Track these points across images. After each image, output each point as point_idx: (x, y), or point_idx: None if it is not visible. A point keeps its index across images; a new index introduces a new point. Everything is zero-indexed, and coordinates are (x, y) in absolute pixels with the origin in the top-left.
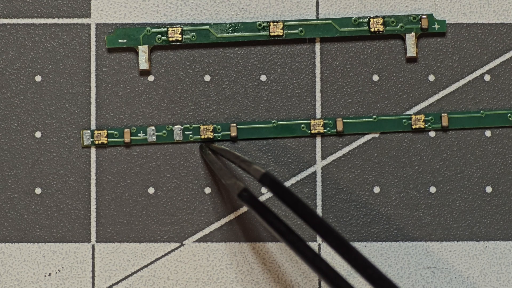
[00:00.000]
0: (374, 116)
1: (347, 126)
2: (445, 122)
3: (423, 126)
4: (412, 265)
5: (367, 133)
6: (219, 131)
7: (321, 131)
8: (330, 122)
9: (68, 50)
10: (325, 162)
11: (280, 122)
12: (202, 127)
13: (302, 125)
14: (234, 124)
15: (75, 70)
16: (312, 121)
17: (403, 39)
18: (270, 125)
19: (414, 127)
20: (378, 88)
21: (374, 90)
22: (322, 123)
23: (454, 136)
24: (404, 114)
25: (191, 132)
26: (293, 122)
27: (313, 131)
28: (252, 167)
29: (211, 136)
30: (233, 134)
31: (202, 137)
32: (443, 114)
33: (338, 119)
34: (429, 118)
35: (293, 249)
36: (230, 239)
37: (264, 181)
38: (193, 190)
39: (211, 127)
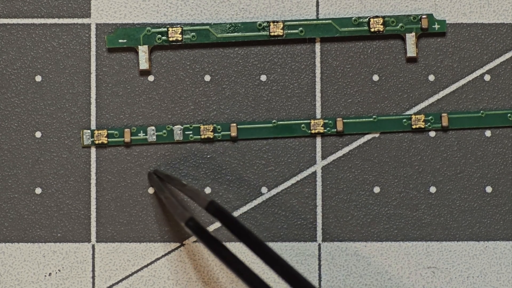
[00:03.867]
0: (374, 116)
1: (347, 126)
2: (445, 122)
3: (423, 126)
4: (412, 265)
5: (367, 133)
6: (219, 131)
7: (321, 131)
8: (330, 122)
9: (68, 50)
10: (325, 162)
11: (280, 122)
12: (202, 127)
13: (302, 125)
14: (234, 124)
15: (75, 70)
16: (312, 121)
17: (403, 39)
18: (270, 125)
19: (414, 127)
20: (378, 88)
21: (374, 90)
22: (322, 123)
23: (454, 136)
24: (404, 114)
25: (191, 132)
26: (293, 122)
27: (313, 131)
28: (199, 195)
29: (211, 136)
30: (233, 134)
31: (202, 137)
32: (443, 114)
33: (338, 119)
34: (429, 118)
35: (240, 277)
36: (230, 239)
37: (210, 209)
38: None
39: (211, 127)
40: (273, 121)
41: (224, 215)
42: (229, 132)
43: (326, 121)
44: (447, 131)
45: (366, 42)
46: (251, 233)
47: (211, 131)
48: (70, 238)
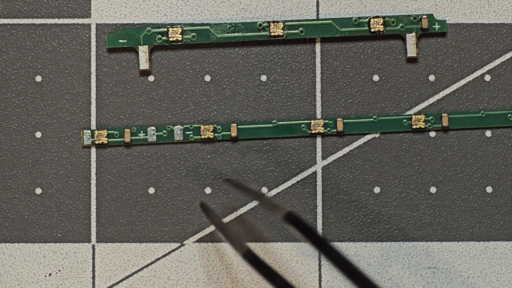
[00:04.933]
0: (374, 116)
1: (347, 126)
2: (445, 122)
3: (423, 126)
4: (412, 265)
5: (368, 133)
6: (219, 131)
7: (321, 131)
8: (330, 122)
9: (69, 50)
10: (326, 162)
11: (280, 122)
12: (202, 127)
13: (303, 125)
14: (235, 124)
15: (75, 70)
16: (313, 121)
17: (403, 39)
18: (270, 125)
19: (414, 127)
20: (379, 88)
21: (375, 90)
22: (322, 123)
23: (454, 136)
24: (404, 114)
25: (191, 132)
26: (293, 122)
27: (313, 131)
28: (276, 206)
29: (211, 136)
30: (234, 134)
31: (203, 137)
32: (443, 114)
33: (338, 119)
34: (430, 118)
35: None
36: None
37: (288, 220)
38: (193, 190)
39: (211, 127)
40: (273, 121)
41: (302, 226)
42: (229, 132)
43: (327, 121)
44: (447, 131)
45: (366, 42)
46: (330, 244)
47: (211, 131)
48: (70, 238)
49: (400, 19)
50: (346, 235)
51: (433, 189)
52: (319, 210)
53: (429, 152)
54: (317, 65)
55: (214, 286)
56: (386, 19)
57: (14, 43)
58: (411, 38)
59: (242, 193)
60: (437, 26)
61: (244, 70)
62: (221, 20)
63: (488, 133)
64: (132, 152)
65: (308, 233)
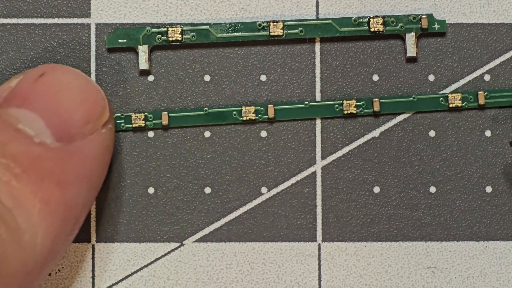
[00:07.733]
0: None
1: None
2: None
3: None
4: (412, 265)
5: (367, 133)
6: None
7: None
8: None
9: (68, 50)
10: (325, 162)
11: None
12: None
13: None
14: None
15: None
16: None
17: (403, 39)
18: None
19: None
20: (378, 88)
21: (374, 90)
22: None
23: (454, 136)
24: (402, 114)
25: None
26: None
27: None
28: None
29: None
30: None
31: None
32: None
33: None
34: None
35: None
36: (230, 239)
37: None
38: (193, 190)
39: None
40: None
41: None
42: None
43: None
44: (446, 131)
45: (366, 42)
46: None
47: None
48: None
49: (400, 19)
50: (345, 235)
51: (432, 189)
52: (319, 210)
53: (429, 152)
54: (317, 64)
55: (214, 286)
56: (385, 19)
57: (14, 43)
58: (410, 38)
59: None
60: (436, 26)
61: (243, 70)
62: (221, 20)
63: (488, 133)
64: (131, 152)
65: None
